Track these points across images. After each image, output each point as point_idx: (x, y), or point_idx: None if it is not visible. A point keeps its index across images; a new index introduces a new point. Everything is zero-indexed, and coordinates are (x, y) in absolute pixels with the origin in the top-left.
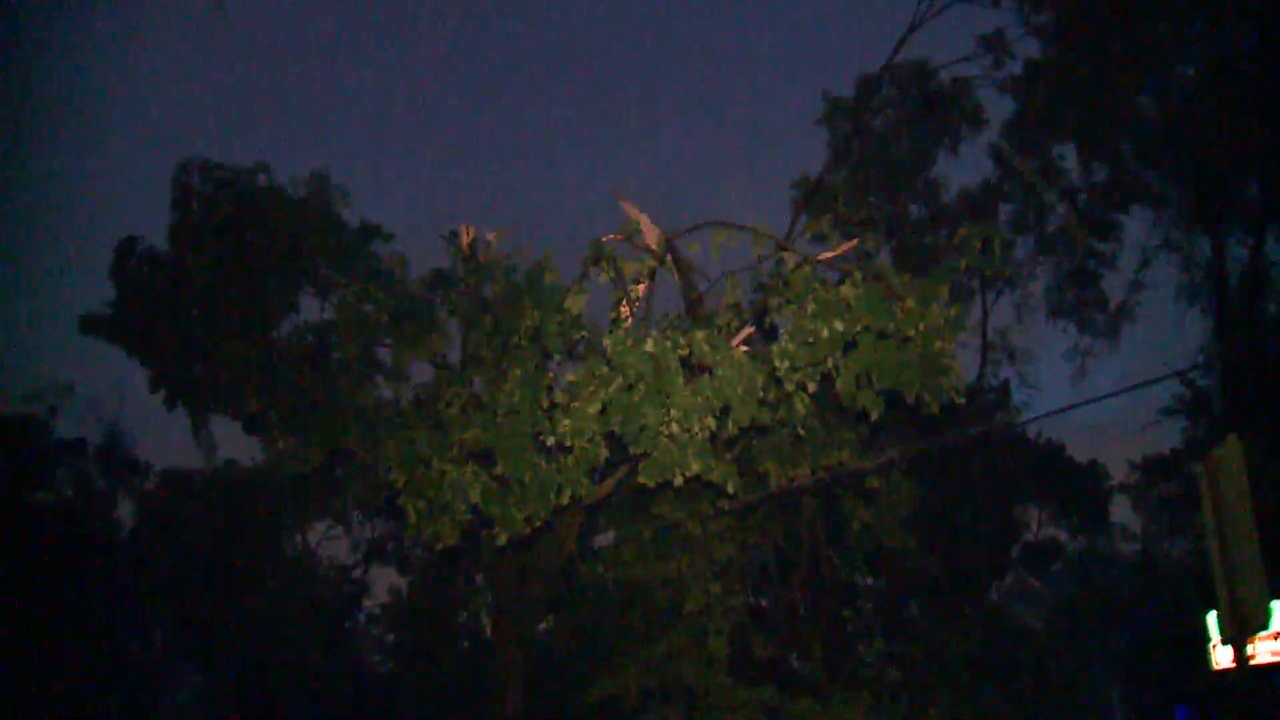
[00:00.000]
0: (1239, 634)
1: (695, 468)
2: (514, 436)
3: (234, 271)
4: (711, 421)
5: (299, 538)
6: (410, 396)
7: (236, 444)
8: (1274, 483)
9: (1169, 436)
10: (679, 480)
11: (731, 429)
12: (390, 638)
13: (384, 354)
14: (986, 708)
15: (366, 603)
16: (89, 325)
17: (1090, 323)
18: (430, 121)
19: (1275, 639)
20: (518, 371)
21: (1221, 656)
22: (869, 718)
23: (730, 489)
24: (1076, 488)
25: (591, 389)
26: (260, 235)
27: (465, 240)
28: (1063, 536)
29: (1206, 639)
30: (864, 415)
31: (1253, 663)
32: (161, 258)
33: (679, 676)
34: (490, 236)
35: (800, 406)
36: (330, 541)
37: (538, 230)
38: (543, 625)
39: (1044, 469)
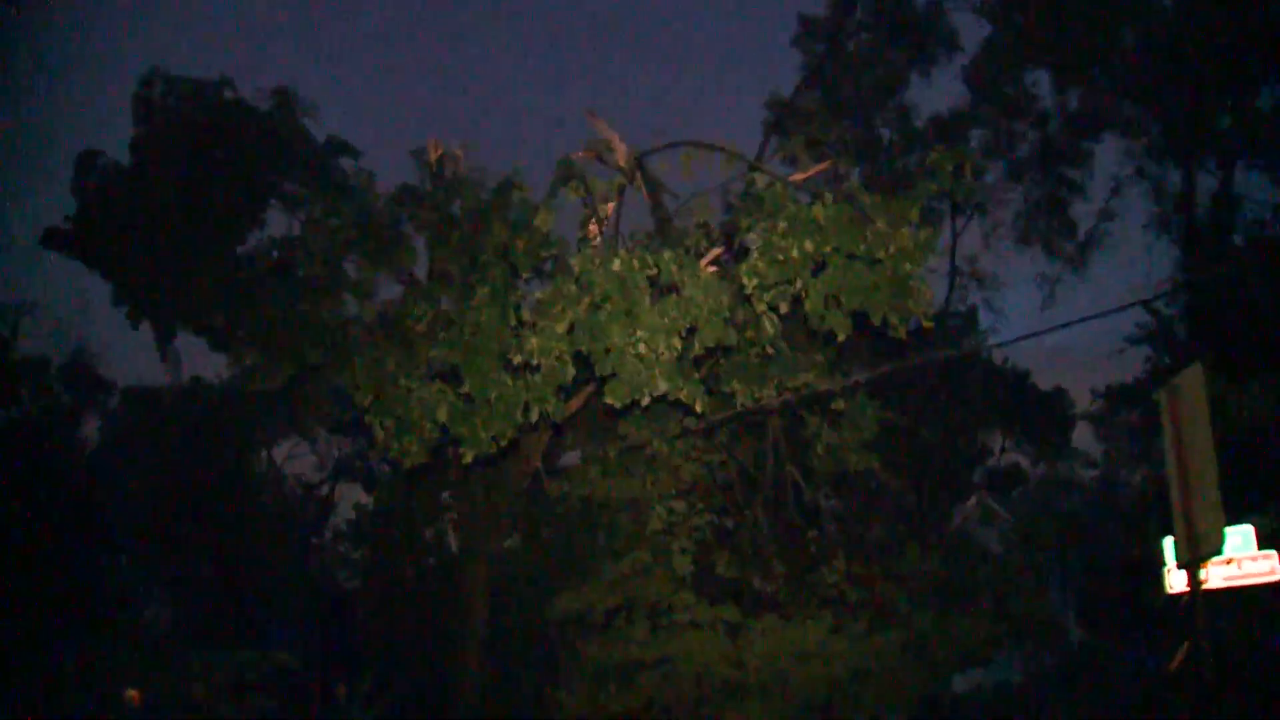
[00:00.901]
0: (1193, 559)
1: (662, 387)
2: (481, 355)
3: (198, 186)
4: (678, 341)
5: (265, 455)
6: (377, 314)
7: (203, 360)
8: (1234, 412)
9: (1133, 365)
10: (645, 400)
11: (698, 349)
12: (356, 554)
13: (351, 270)
14: (947, 628)
15: (332, 520)
16: (50, 240)
17: (1058, 250)
18: (398, 37)
19: (1228, 564)
20: (485, 289)
21: (1176, 580)
22: (830, 636)
23: (697, 409)
24: (1040, 414)
25: (559, 308)
26: (225, 150)
27: (433, 156)
28: (1025, 462)
29: (1162, 564)
30: (831, 337)
31: (1205, 587)
32: (123, 172)
33: (642, 594)
34: (458, 153)
35: (768, 327)
36: (296, 459)
37: (507, 147)
38: (508, 543)
39: (1009, 395)
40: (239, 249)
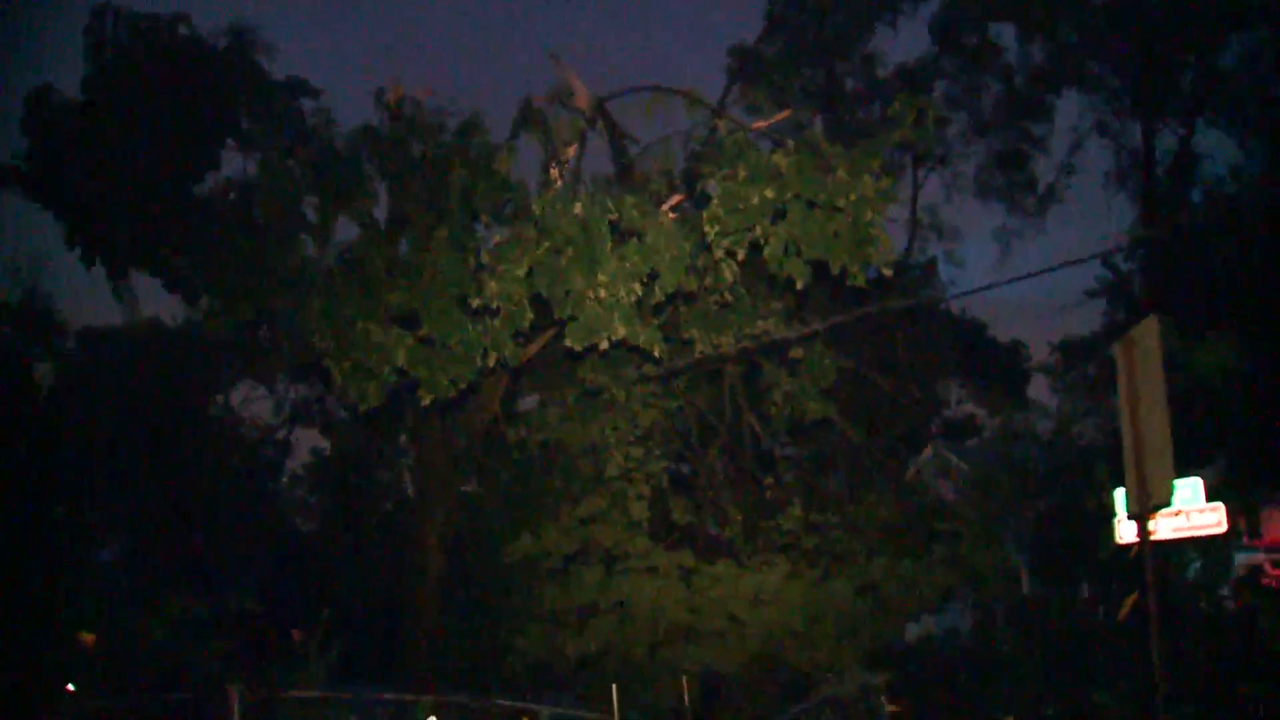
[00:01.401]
0: (1143, 510)
1: (621, 332)
2: (440, 298)
3: (152, 125)
4: (638, 286)
5: (223, 398)
6: (336, 257)
7: (158, 302)
8: (1187, 366)
9: (1090, 319)
10: (604, 345)
11: (658, 295)
12: (313, 498)
13: (309, 212)
14: (900, 575)
15: (290, 464)
16: (1, 179)
17: (1019, 203)
18: None
19: (1176, 516)
20: (445, 233)
21: (1126, 531)
22: (785, 582)
23: (656, 354)
24: (997, 366)
25: (519, 252)
26: (179, 88)
27: (393, 98)
28: (981, 413)
29: (1113, 515)
30: (790, 285)
31: (1153, 538)
32: (76, 109)
33: (599, 539)
34: (419, 95)
35: (727, 273)
36: (254, 403)
37: (468, 89)
38: (465, 487)
39: (966, 347)
40: (195, 190)
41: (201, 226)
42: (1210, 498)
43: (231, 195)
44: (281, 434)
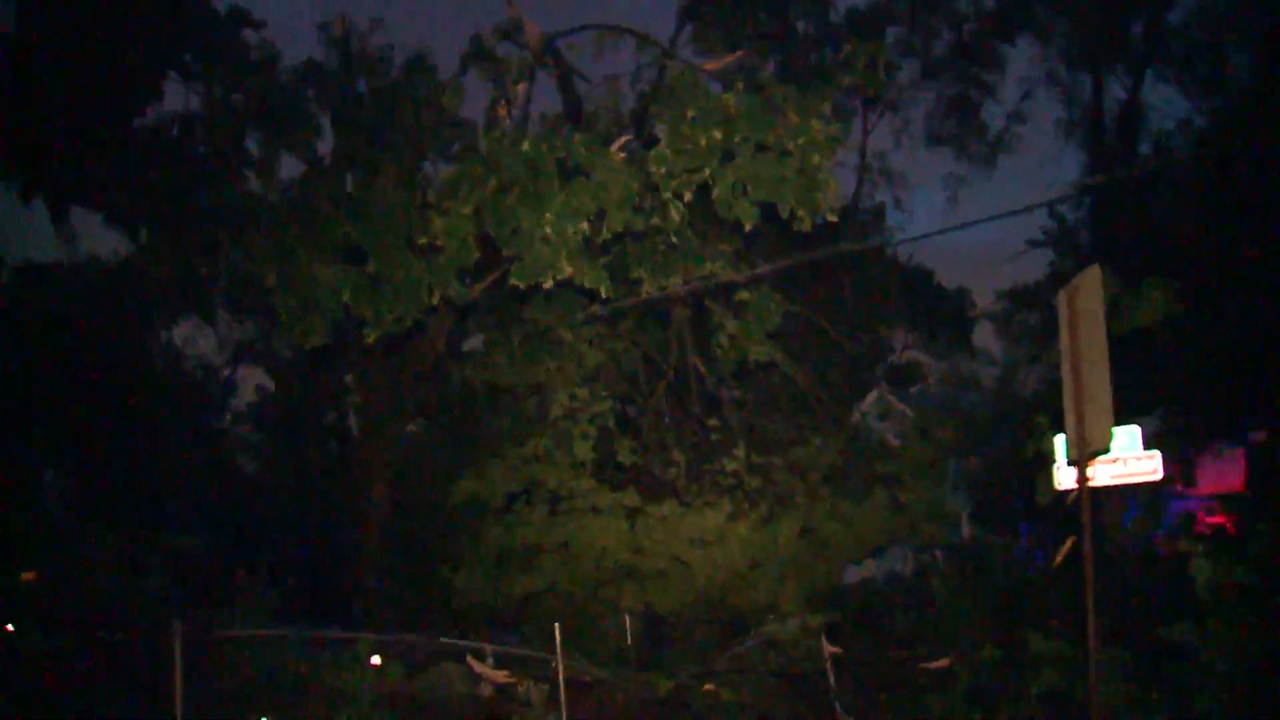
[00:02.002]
0: (1082, 456)
1: (567, 271)
2: (386, 235)
3: (90, 57)
4: (585, 225)
5: (165, 336)
6: (280, 192)
7: (99, 238)
8: (1127, 315)
9: (1035, 269)
10: (550, 283)
11: (605, 234)
12: (257, 437)
13: (253, 147)
14: (842, 518)
15: (233, 402)
16: None
17: (968, 150)
18: None
19: (1114, 463)
20: (391, 170)
21: (1064, 478)
22: (728, 524)
23: (602, 294)
24: (943, 313)
25: (466, 189)
26: (118, 19)
27: (339, 32)
28: (927, 359)
29: (1052, 461)
30: (738, 227)
31: (1091, 484)
32: (10, 40)
33: (543, 479)
34: (366, 30)
35: (675, 214)
36: (197, 341)
37: (416, 25)
38: (410, 426)
39: (913, 293)
40: (135, 124)
41: (142, 161)
42: (1148, 446)
43: (173, 130)
44: (225, 372)
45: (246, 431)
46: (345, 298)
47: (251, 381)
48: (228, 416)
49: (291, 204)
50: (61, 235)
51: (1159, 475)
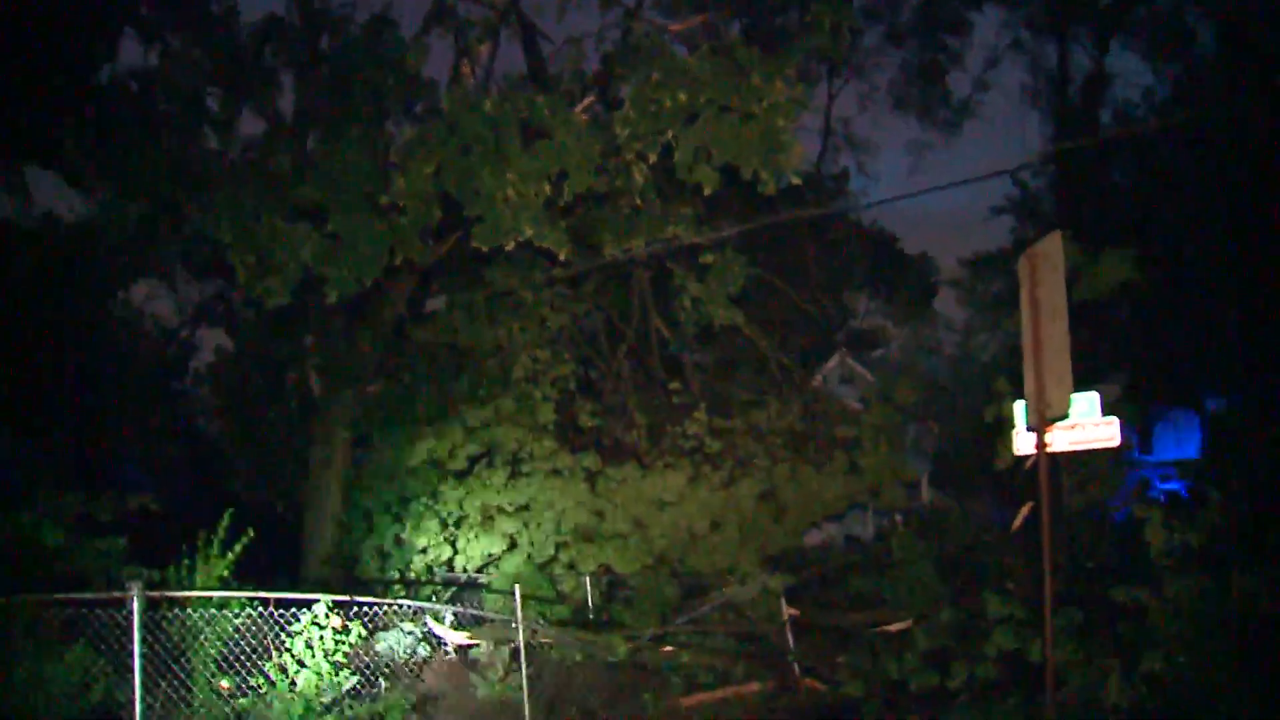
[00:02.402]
0: (1041, 422)
1: (529, 233)
2: (348, 195)
3: (45, 12)
4: (547, 187)
5: (122, 296)
6: (240, 151)
7: (55, 196)
8: (1087, 282)
9: (998, 236)
10: (511, 245)
11: (568, 196)
12: (217, 399)
13: (213, 105)
14: (803, 482)
15: (193, 364)
16: None
17: (933, 116)
18: None
19: (1072, 429)
20: (353, 128)
21: (1023, 443)
22: (688, 486)
23: (562, 256)
24: (905, 278)
25: (428, 149)
26: None
27: None
28: (889, 325)
29: (1011, 426)
30: (701, 190)
31: (1049, 450)
32: None
33: (504, 440)
34: None
35: (638, 176)
36: (156, 301)
37: None
38: (370, 387)
39: (876, 258)
40: (93, 80)
41: (99, 118)
42: (1106, 413)
43: (131, 86)
44: (185, 332)
45: (206, 393)
46: (306, 257)
47: (212, 342)
48: (187, 378)
49: (252, 162)
50: (16, 194)
51: (1117, 442)
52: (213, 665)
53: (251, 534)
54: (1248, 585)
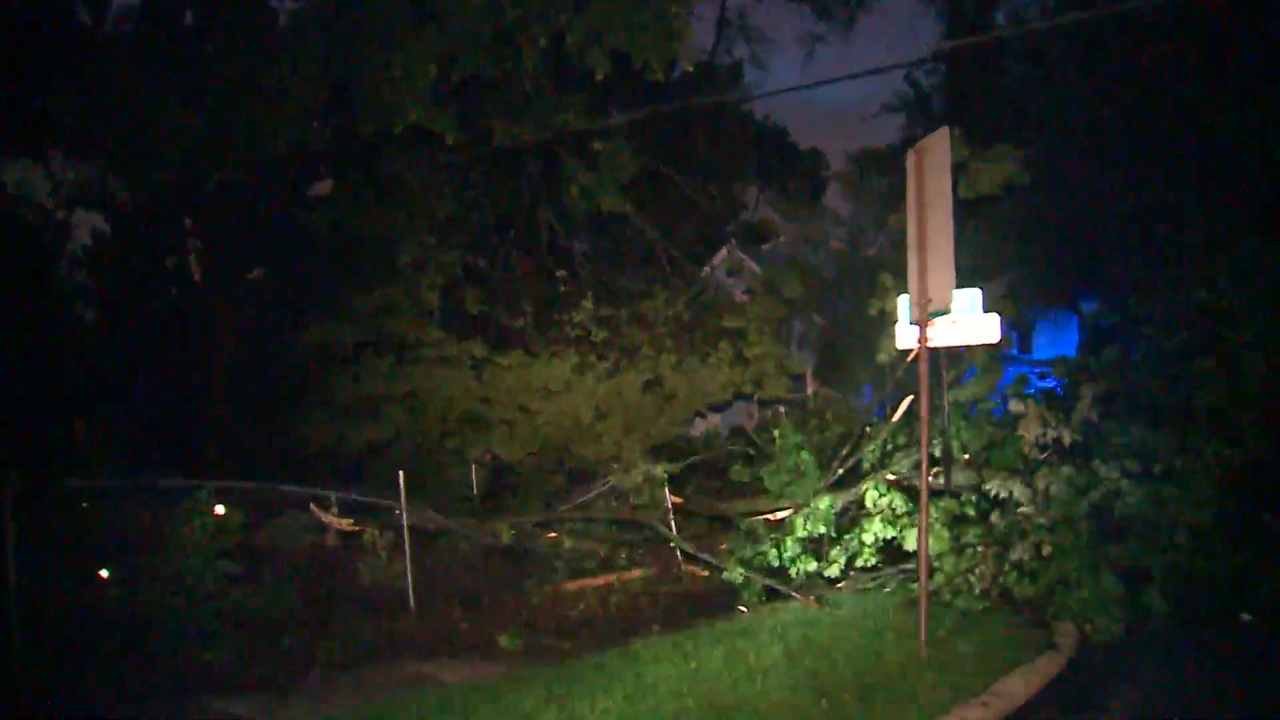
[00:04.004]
0: (923, 316)
1: (416, 116)
2: (230, 76)
3: None
4: (435, 69)
5: None
6: (114, 25)
7: None
8: (975, 180)
9: (888, 134)
10: (399, 128)
11: (456, 79)
12: (95, 285)
13: None
14: (689, 372)
15: (69, 248)
16: None
17: (828, 10)
18: None
19: (954, 325)
20: (235, 3)
21: (906, 337)
22: (575, 375)
23: (450, 141)
24: (796, 173)
25: (314, 28)
26: None
27: None
28: (778, 218)
29: (894, 320)
30: (591, 77)
31: (931, 344)
32: None
33: (391, 328)
34: None
35: (529, 61)
36: (29, 184)
37: None
38: (254, 273)
39: (767, 151)
40: None
41: None
42: (988, 310)
43: None
44: (60, 215)
45: (83, 279)
46: (187, 139)
47: (89, 226)
48: (63, 263)
49: (127, 39)
50: None
51: (996, 338)
52: (95, 556)
53: (134, 423)
54: (1112, 477)
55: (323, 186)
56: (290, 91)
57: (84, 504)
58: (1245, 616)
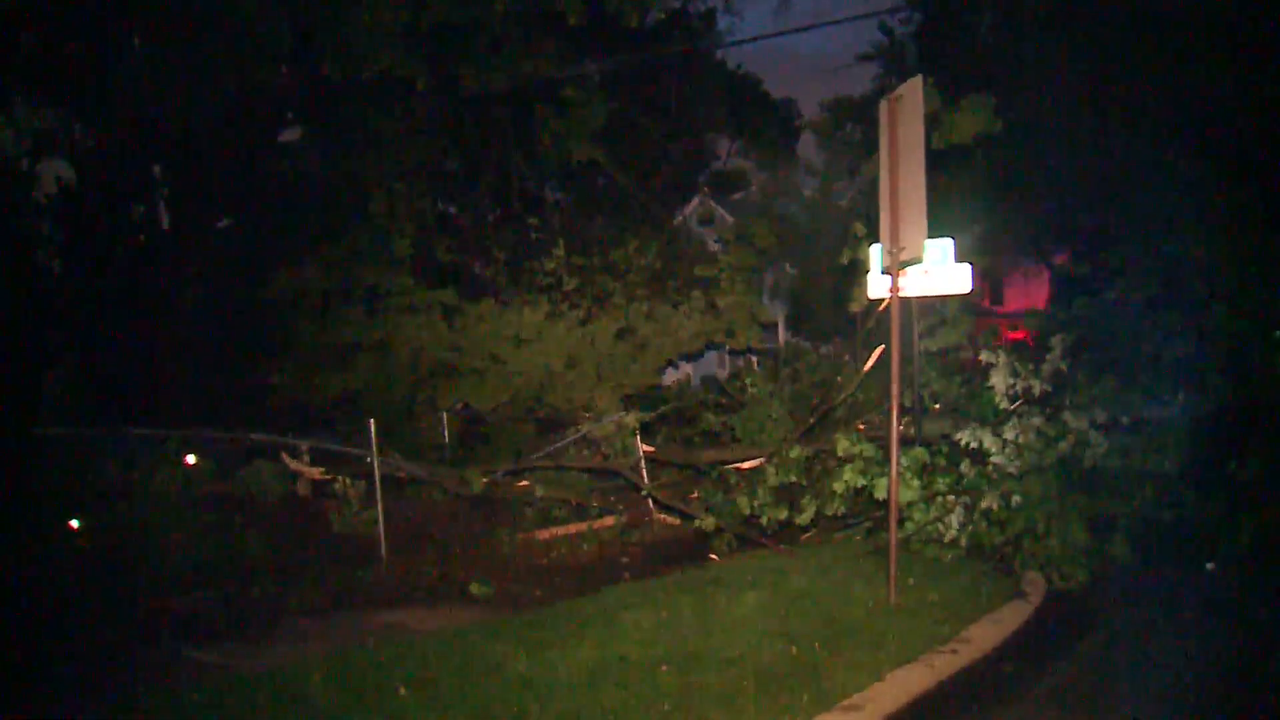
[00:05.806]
0: (894, 265)
1: (384, 62)
2: (195, 20)
3: None
4: (405, 14)
5: None
6: None
7: None
8: (947, 130)
9: (862, 84)
10: (368, 74)
11: (426, 24)
12: (60, 234)
13: None
14: (660, 320)
15: (34, 196)
16: None
17: None
18: None
19: (926, 275)
20: None
21: (877, 287)
22: (546, 323)
23: (420, 87)
24: (769, 122)
25: None
26: None
27: None
28: (750, 167)
29: (866, 270)
30: (563, 23)
31: (901, 294)
32: None
33: (361, 276)
34: None
35: (499, 6)
36: None
37: None
38: (222, 221)
39: (740, 100)
40: None
41: None
42: (959, 260)
43: None
44: (24, 164)
45: (47, 228)
46: (150, 84)
47: (54, 173)
48: (28, 212)
49: None
50: None
51: (968, 288)
52: (65, 505)
53: (102, 372)
54: (1081, 427)
55: (292, 134)
56: (254, 35)
57: (53, 454)
58: (1209, 565)
